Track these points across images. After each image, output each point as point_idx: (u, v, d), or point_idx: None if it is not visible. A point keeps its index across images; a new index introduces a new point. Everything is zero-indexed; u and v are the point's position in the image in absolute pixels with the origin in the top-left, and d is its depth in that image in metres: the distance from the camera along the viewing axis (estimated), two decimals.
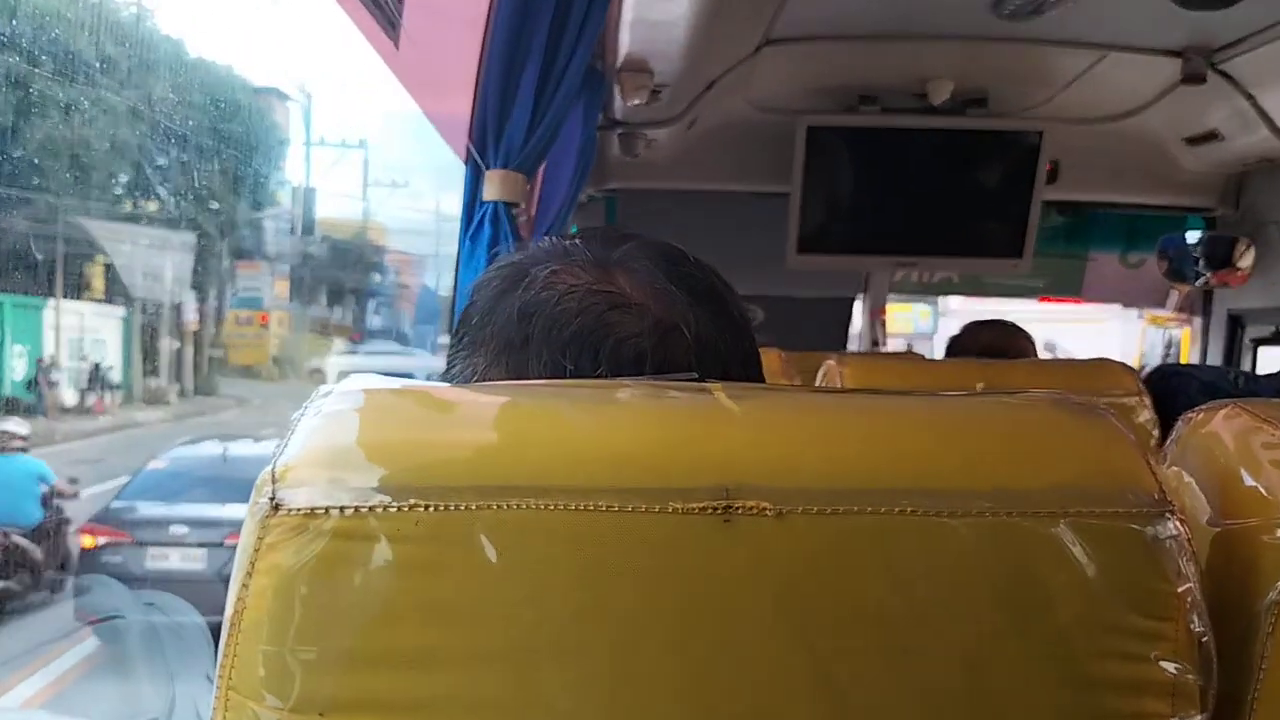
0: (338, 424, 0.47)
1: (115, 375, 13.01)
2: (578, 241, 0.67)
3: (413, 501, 0.44)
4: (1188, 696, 0.47)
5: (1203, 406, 0.60)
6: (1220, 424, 0.58)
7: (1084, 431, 0.49)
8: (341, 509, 0.44)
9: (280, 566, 0.44)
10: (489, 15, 1.52)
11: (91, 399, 12.40)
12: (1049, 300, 4.05)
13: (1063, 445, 0.49)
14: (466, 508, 0.44)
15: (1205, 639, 0.47)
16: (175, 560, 5.98)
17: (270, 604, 0.44)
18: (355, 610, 0.44)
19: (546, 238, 0.71)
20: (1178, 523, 0.47)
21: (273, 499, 0.45)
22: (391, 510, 0.44)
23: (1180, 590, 0.47)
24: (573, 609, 0.45)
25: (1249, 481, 0.55)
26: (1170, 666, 0.47)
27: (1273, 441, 0.55)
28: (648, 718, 0.45)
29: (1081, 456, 0.48)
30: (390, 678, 0.44)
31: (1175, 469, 0.60)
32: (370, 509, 0.44)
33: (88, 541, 6.11)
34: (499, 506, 0.44)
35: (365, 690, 0.44)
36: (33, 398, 11.60)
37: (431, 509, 0.44)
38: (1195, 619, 0.47)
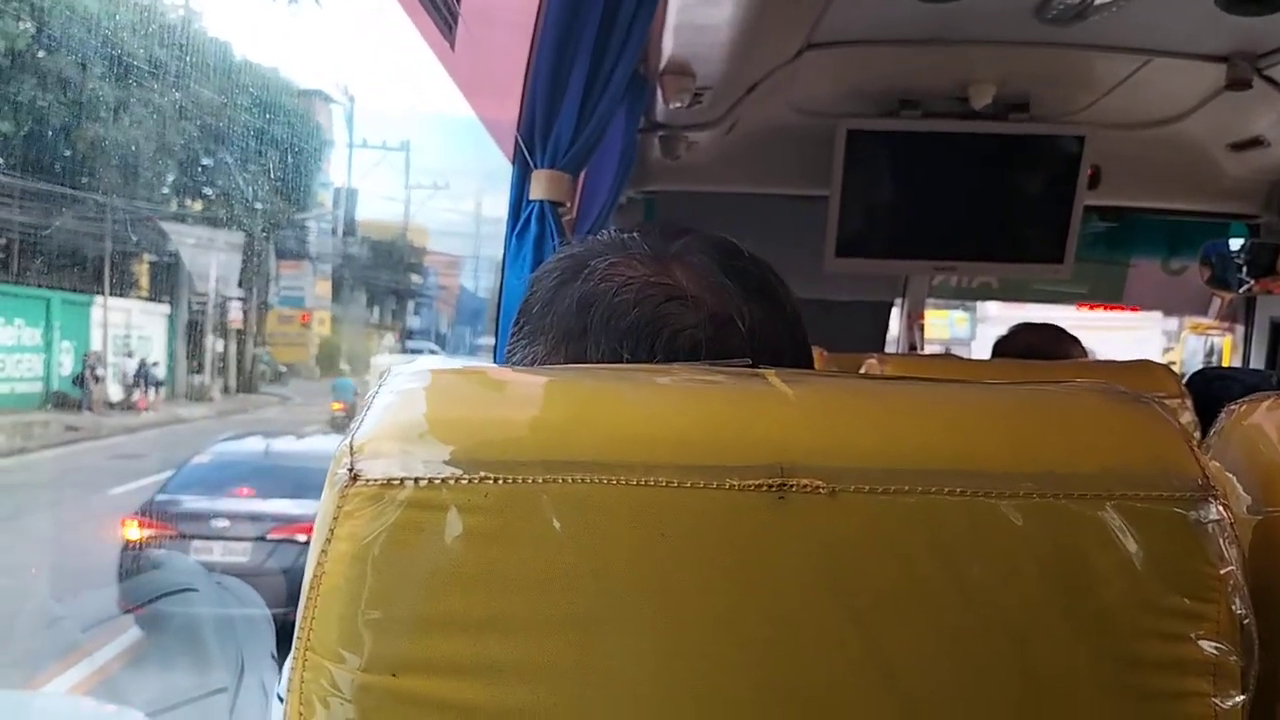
0: (410, 401, 0.50)
1: (160, 371, 13.22)
2: (636, 235, 0.69)
3: (482, 474, 0.46)
4: (1229, 676, 0.48)
5: (1245, 399, 0.61)
6: (1262, 415, 0.59)
7: (1129, 418, 0.51)
8: (416, 480, 0.46)
9: (357, 534, 0.46)
10: (538, 18, 1.55)
11: (136, 395, 12.60)
12: (1086, 306, 4.03)
13: (1108, 431, 0.50)
14: (533, 481, 0.46)
15: (1247, 621, 0.48)
16: (218, 553, 6.08)
17: (347, 569, 0.47)
18: (427, 576, 0.46)
19: (605, 230, 0.73)
20: (1220, 507, 0.48)
21: (351, 470, 0.47)
22: (463, 482, 0.46)
23: (1222, 572, 0.48)
24: (633, 580, 0.47)
25: None
26: (1211, 646, 0.48)
27: None
28: (705, 686, 0.47)
29: (1126, 442, 0.49)
30: (460, 641, 0.46)
31: (1216, 463, 0.61)
32: (443, 480, 0.46)
33: (133, 533, 6.22)
34: (564, 480, 0.47)
35: (436, 652, 0.46)
36: (79, 393, 11.81)
37: (500, 481, 0.46)
38: (1237, 601, 0.48)
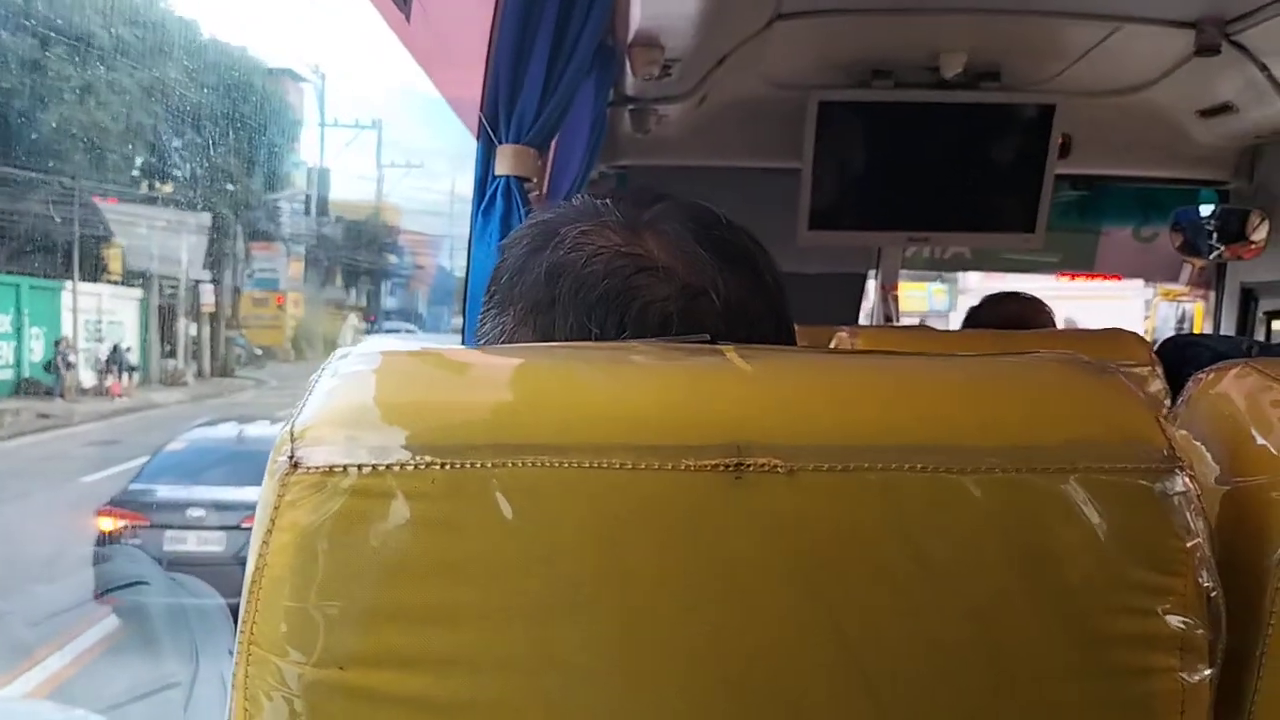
0: (355, 384, 0.48)
1: (133, 357, 13.08)
2: (609, 201, 0.67)
3: (429, 459, 0.45)
4: (1196, 650, 0.47)
5: (1213, 367, 0.60)
6: (1230, 383, 0.58)
7: (1094, 389, 0.50)
8: (359, 467, 0.45)
9: (299, 524, 0.45)
10: None
11: (109, 380, 12.47)
12: (1067, 276, 4.05)
13: (1072, 403, 0.49)
14: (482, 465, 0.45)
15: (1214, 594, 0.47)
16: (192, 543, 5.99)
17: (291, 560, 0.45)
18: (374, 566, 0.45)
19: (579, 195, 0.70)
20: (1187, 479, 0.47)
21: (291, 457, 0.45)
22: (408, 468, 0.45)
23: (1189, 545, 0.47)
24: (587, 566, 0.45)
25: (1259, 440, 0.55)
26: (1178, 621, 0.47)
27: None
28: (662, 672, 0.45)
29: (1091, 414, 0.48)
30: (409, 632, 0.45)
31: (1184, 432, 0.60)
32: (387, 467, 0.45)
33: (106, 525, 6.13)
34: (514, 465, 0.45)
35: (385, 644, 0.45)
36: (51, 379, 11.69)
37: (447, 467, 0.45)
38: (1204, 574, 0.47)
